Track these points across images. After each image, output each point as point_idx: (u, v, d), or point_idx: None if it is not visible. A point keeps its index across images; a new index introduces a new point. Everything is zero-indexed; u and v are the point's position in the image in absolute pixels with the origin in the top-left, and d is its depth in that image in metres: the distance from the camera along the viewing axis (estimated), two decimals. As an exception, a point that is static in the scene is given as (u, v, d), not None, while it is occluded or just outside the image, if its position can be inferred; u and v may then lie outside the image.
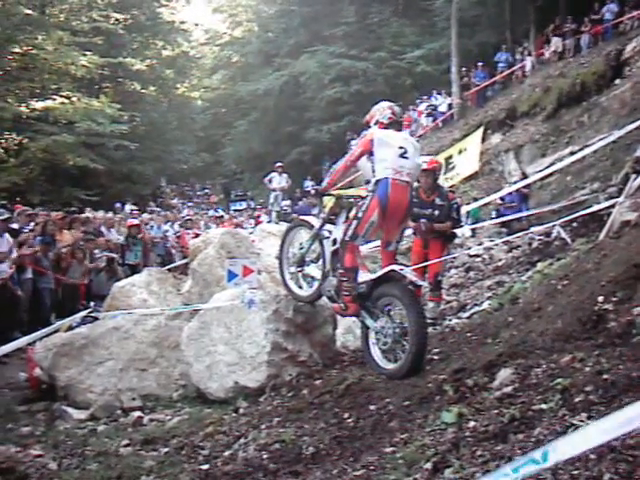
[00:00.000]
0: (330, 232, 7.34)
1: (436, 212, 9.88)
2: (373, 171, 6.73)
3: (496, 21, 31.87)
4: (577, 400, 4.15)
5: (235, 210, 33.63)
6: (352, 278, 6.88)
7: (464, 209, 17.82)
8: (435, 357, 6.62)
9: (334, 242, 7.19)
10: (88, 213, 21.38)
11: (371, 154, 6.74)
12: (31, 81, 34.08)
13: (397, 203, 6.62)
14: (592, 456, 3.32)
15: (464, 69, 31.51)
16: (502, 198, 17.90)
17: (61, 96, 33.14)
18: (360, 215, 6.76)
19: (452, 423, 4.60)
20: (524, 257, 12.10)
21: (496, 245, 14.09)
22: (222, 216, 22.89)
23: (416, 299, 6.65)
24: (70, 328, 9.58)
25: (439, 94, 32.87)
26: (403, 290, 6.58)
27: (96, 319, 9.63)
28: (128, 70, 43.08)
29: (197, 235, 16.79)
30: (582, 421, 3.88)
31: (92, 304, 12.71)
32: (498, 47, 30.72)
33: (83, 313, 10.33)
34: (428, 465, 4.16)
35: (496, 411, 4.46)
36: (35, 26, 31.48)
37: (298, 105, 41.31)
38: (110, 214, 22.87)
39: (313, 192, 7.77)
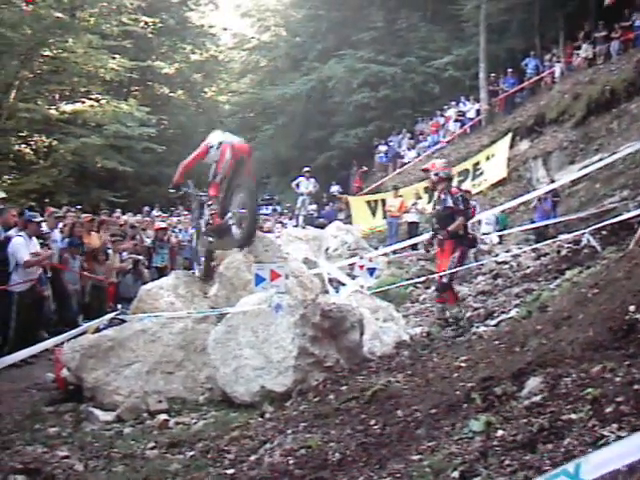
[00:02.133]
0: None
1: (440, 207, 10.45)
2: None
3: (525, 27, 31.65)
4: (608, 411, 4.11)
5: (262, 214, 33.64)
6: (215, 202, 9.96)
7: (489, 213, 17.82)
8: (463, 365, 6.56)
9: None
10: (118, 215, 21.53)
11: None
12: (61, 84, 34.39)
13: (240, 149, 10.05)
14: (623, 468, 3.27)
15: (492, 75, 31.34)
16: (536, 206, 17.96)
17: (90, 99, 33.40)
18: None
19: (480, 432, 4.57)
20: (553, 265, 12.00)
21: (524, 252, 14.00)
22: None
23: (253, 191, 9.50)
24: (97, 330, 9.60)
25: (467, 100, 32.75)
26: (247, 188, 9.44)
27: (123, 321, 9.64)
28: (157, 74, 43.38)
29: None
30: (612, 432, 3.84)
31: (119, 306, 12.78)
32: (527, 53, 30.52)
33: (110, 315, 10.34)
34: (455, 474, 4.14)
35: (525, 420, 4.43)
36: (65, 30, 31.71)
37: (325, 110, 41.29)
38: (138, 217, 23.01)
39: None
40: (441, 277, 10.16)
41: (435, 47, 36.86)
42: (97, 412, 8.14)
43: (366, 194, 31.04)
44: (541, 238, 15.50)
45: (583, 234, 12.28)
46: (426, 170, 11.03)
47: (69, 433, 7.47)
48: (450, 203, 10.34)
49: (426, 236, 14.15)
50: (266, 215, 33.15)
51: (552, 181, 19.56)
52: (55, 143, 32.66)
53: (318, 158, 39.57)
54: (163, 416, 7.77)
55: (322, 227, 20.61)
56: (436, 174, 10.67)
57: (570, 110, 23.65)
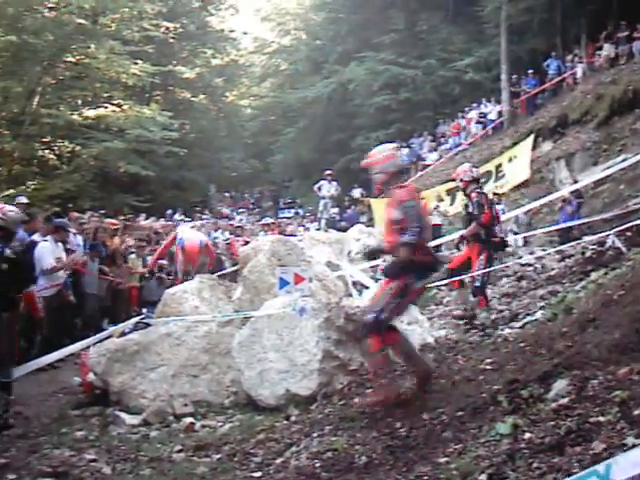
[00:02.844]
0: None
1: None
2: None
3: (546, 27, 31.45)
4: (636, 413, 4.09)
5: (284, 218, 33.72)
6: None
7: (511, 214, 17.78)
8: (488, 367, 6.55)
9: None
10: (142, 220, 21.66)
11: None
12: (83, 89, 34.57)
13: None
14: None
15: (514, 76, 31.20)
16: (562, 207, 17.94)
17: (113, 104, 33.57)
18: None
19: (507, 434, 4.56)
20: (577, 266, 11.92)
21: (548, 254, 13.93)
22: (271, 223, 22.97)
23: None
24: (123, 334, 9.67)
25: (489, 102, 32.62)
26: None
27: (148, 325, 9.71)
28: (178, 78, 43.54)
29: (246, 242, 16.87)
30: (641, 434, 3.83)
31: (145, 310, 12.86)
32: (548, 54, 30.32)
33: (136, 319, 10.43)
34: (483, 477, 4.13)
35: (552, 423, 4.42)
36: (87, 36, 31.88)
37: (346, 112, 41.24)
38: (162, 221, 23.14)
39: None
40: (472, 281, 10.23)
41: (456, 49, 36.70)
42: (123, 416, 8.19)
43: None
44: (565, 240, 15.42)
45: (608, 235, 12.19)
46: (454, 180, 11.31)
47: (96, 436, 7.52)
48: (470, 208, 10.53)
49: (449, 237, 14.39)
50: (288, 218, 33.27)
51: (575, 182, 19.47)
52: (78, 148, 32.82)
53: (339, 161, 39.53)
54: (189, 419, 7.82)
55: (344, 230, 20.59)
56: (461, 180, 10.82)
57: (593, 111, 23.50)
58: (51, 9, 30.40)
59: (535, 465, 4.01)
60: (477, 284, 10.16)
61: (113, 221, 17.37)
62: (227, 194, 50.51)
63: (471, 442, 4.78)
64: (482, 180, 24.55)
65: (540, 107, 29.33)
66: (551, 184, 22.98)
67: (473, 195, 10.50)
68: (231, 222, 24.14)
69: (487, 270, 10.31)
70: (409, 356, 6.70)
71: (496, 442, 4.56)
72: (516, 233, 18.27)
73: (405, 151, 35.52)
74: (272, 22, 58.28)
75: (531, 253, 15.26)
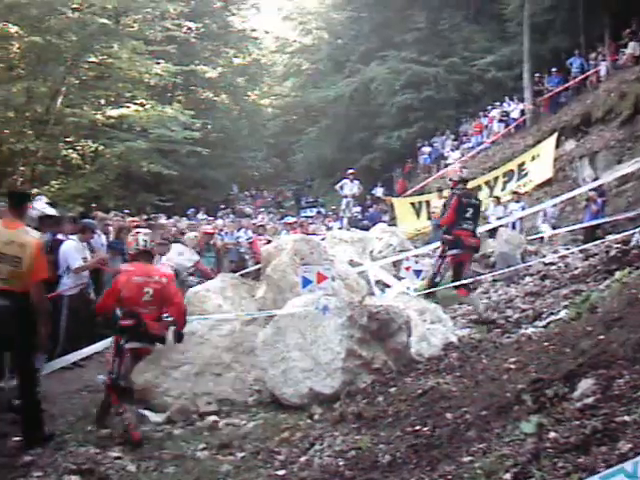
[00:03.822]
0: None
1: None
2: None
3: (569, 26, 31.19)
4: (662, 413, 4.07)
5: (305, 217, 33.71)
6: None
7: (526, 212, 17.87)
8: (512, 366, 6.53)
9: None
10: (164, 219, 21.69)
11: None
12: (106, 89, 34.72)
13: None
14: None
15: (537, 75, 31.01)
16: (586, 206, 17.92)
17: (135, 104, 33.66)
18: None
19: (532, 433, 4.55)
20: (601, 265, 11.82)
21: (572, 253, 13.85)
22: (293, 222, 22.97)
23: None
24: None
25: (511, 100, 32.45)
26: None
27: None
28: (200, 78, 43.65)
29: (269, 241, 16.88)
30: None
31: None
32: (571, 52, 30.08)
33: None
34: (508, 476, 4.13)
35: (577, 422, 4.40)
36: (110, 36, 32.01)
37: (368, 111, 41.14)
38: (185, 220, 23.20)
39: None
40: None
41: (478, 47, 36.54)
42: (148, 413, 8.24)
43: (410, 195, 30.91)
44: (590, 238, 15.33)
45: (632, 234, 12.12)
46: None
47: (121, 434, 7.56)
48: None
49: None
50: (310, 217, 33.25)
51: (596, 179, 19.36)
52: (101, 148, 32.98)
53: (361, 160, 39.52)
54: (213, 417, 7.85)
55: (366, 229, 20.56)
56: (450, 179, 11.90)
57: (616, 109, 23.31)
58: (74, 10, 30.54)
59: (560, 464, 4.00)
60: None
61: (134, 219, 17.42)
62: (249, 193, 50.62)
63: (495, 441, 4.77)
64: (505, 179, 24.77)
65: (563, 105, 29.12)
66: (574, 182, 22.83)
67: (449, 195, 11.04)
68: (253, 221, 24.11)
69: (439, 266, 11.40)
70: None
71: (521, 441, 4.54)
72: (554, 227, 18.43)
73: (427, 150, 35.51)
74: (294, 21, 58.33)
75: (555, 252, 15.17)
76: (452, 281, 11.51)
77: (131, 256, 8.22)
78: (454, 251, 11.32)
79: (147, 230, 9.58)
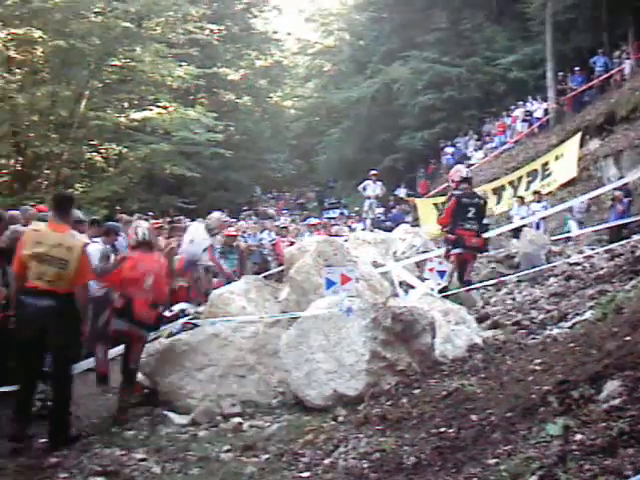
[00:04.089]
0: None
1: None
2: None
3: (592, 24, 30.95)
4: (691, 414, 4.03)
5: (328, 218, 33.70)
6: None
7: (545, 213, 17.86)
8: (537, 368, 6.49)
9: None
10: (187, 221, 21.75)
11: None
12: (129, 92, 34.90)
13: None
14: None
15: (560, 74, 30.82)
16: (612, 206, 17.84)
17: (158, 106, 33.81)
18: None
19: (557, 435, 4.51)
20: (627, 266, 11.71)
21: (597, 253, 13.75)
22: (316, 224, 22.96)
23: None
24: (171, 334, 9.76)
25: (534, 100, 32.28)
26: None
27: (196, 326, 9.78)
28: (223, 80, 43.87)
29: (292, 243, 16.89)
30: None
31: (186, 305, 12.93)
32: (595, 50, 29.87)
33: (183, 320, 10.50)
34: (533, 478, 4.10)
35: (604, 424, 4.36)
36: (133, 39, 32.16)
37: (391, 112, 41.06)
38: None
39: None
40: None
41: (500, 47, 36.37)
42: (172, 415, 8.28)
43: (433, 196, 30.83)
44: (615, 238, 15.22)
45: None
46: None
47: (146, 436, 7.60)
48: None
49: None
50: (333, 219, 33.25)
51: (621, 178, 19.23)
52: (125, 150, 33.19)
53: (384, 161, 39.46)
54: (237, 419, 7.86)
55: (389, 230, 20.52)
56: (452, 181, 12.34)
57: (641, 107, 23.16)
58: (97, 14, 30.74)
59: (586, 467, 3.97)
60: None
61: (156, 221, 17.50)
62: (271, 195, 50.74)
63: (521, 443, 4.73)
64: (529, 179, 24.62)
65: (587, 104, 28.93)
66: (599, 182, 22.67)
67: (448, 196, 11.31)
68: (276, 223, 24.13)
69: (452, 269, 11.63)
70: None
71: (546, 443, 4.51)
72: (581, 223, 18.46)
73: (450, 150, 35.38)
74: (315, 23, 58.56)
75: (580, 252, 15.07)
76: (459, 280, 11.67)
77: (131, 247, 8.67)
78: (457, 250, 11.68)
79: (146, 223, 9.92)
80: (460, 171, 12.29)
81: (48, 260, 7.11)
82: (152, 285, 8.17)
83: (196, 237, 12.91)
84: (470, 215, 11.57)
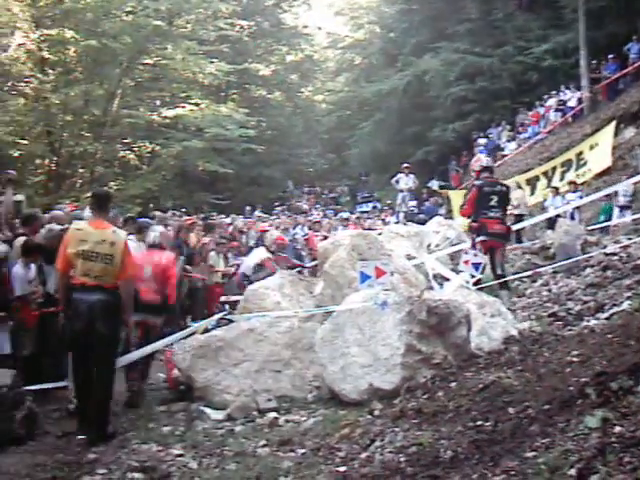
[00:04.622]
0: None
1: None
2: None
3: (626, 11, 30.41)
4: None
5: (362, 212, 33.65)
6: None
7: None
8: (575, 359, 6.42)
9: None
10: (224, 218, 21.85)
11: None
12: (161, 90, 35.22)
13: None
14: None
15: (594, 62, 30.44)
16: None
17: (190, 103, 33.99)
18: None
19: (596, 428, 4.46)
20: (666, 255, 11.63)
21: (634, 243, 13.59)
22: (349, 218, 22.95)
23: None
24: (206, 330, 9.82)
25: (568, 89, 31.90)
26: None
27: (231, 321, 9.84)
28: (254, 76, 44.02)
29: (325, 237, 16.91)
30: None
31: (227, 307, 13.02)
32: (629, 37, 29.42)
33: (218, 316, 10.56)
34: (572, 471, 4.06)
35: (644, 416, 4.32)
36: (164, 37, 32.37)
37: (422, 104, 40.79)
38: (241, 218, 23.33)
39: None
40: None
41: (532, 36, 35.90)
42: (208, 411, 8.34)
43: (466, 188, 30.65)
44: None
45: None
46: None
47: (182, 432, 7.67)
48: None
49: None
50: (366, 212, 33.21)
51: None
52: (158, 148, 33.44)
53: (416, 153, 39.22)
54: (273, 414, 7.88)
55: (423, 223, 20.47)
56: (473, 170, 12.31)
57: (678, 94, 22.85)
58: (128, 13, 30.99)
59: (626, 459, 3.92)
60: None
61: (189, 217, 17.61)
62: (304, 189, 50.79)
63: (559, 436, 4.68)
64: (563, 169, 24.40)
65: (621, 92, 28.54)
66: (635, 171, 22.40)
67: (470, 186, 11.18)
68: (309, 218, 24.18)
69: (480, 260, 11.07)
70: None
71: (585, 436, 4.46)
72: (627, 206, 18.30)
73: (483, 141, 35.11)
74: (345, 16, 58.40)
75: (616, 242, 14.90)
76: (492, 271, 11.59)
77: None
78: (481, 237, 11.52)
79: (160, 228, 10.99)
80: (480, 160, 12.29)
81: (94, 257, 7.39)
82: (152, 274, 9.37)
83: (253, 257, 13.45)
84: (492, 203, 11.48)
